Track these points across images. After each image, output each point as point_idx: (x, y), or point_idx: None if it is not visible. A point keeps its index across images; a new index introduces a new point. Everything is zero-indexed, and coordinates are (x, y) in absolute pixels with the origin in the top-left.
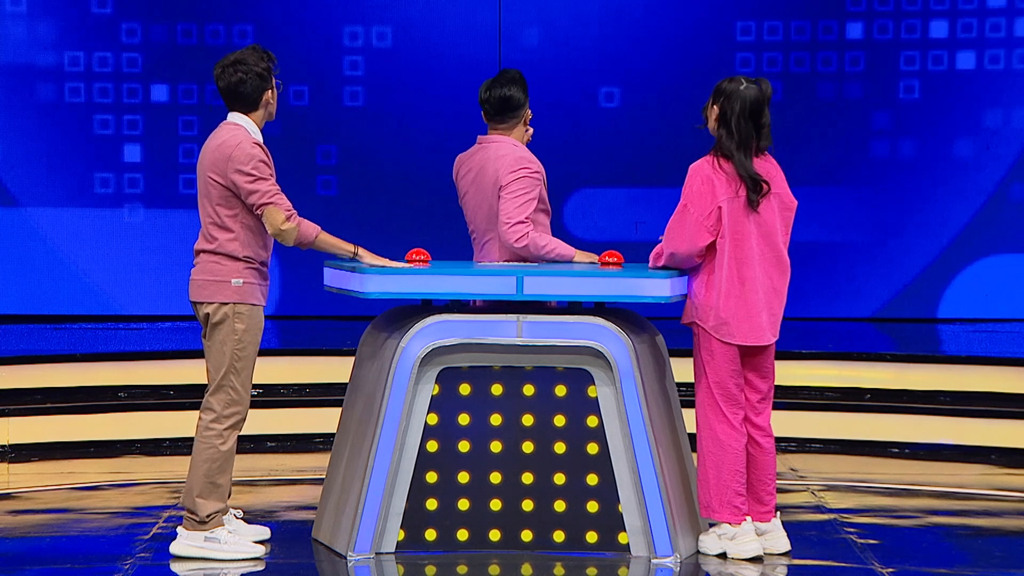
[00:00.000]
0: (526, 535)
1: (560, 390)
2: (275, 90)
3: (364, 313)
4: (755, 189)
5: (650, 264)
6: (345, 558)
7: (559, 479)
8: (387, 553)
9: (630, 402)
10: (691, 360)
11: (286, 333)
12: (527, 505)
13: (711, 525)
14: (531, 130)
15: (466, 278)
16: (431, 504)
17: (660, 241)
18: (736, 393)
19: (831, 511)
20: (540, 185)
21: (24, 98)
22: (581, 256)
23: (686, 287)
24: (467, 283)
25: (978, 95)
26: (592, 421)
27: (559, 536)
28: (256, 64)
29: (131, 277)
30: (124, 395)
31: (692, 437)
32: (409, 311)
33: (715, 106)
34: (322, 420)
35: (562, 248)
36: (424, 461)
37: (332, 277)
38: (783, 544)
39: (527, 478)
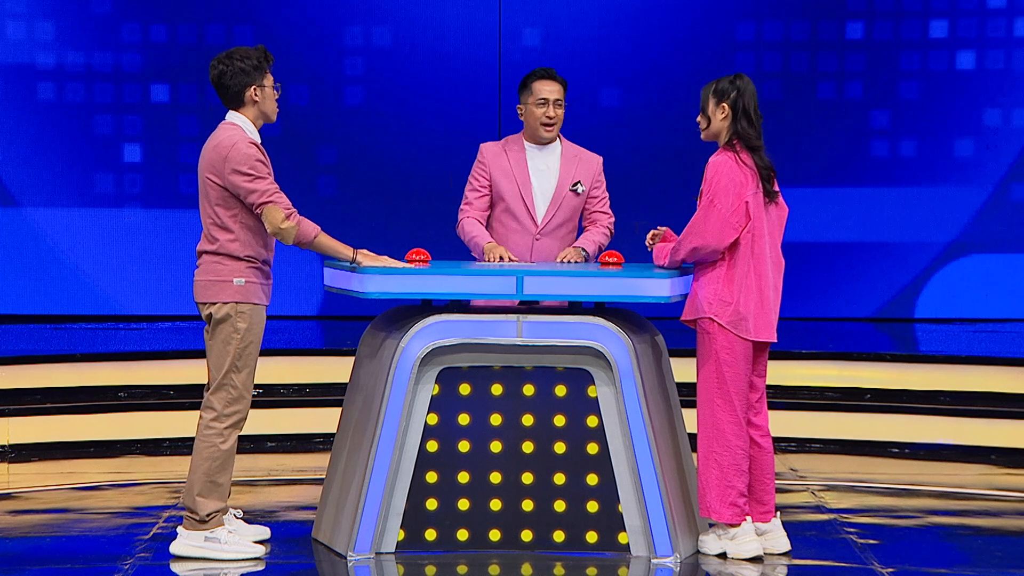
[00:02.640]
0: (526, 535)
1: (560, 390)
2: (264, 89)
3: (364, 313)
4: (770, 179)
5: (665, 261)
6: (345, 558)
7: (559, 479)
8: (387, 553)
9: (630, 402)
10: (691, 360)
11: (286, 333)
12: (527, 505)
13: (711, 525)
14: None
15: (466, 278)
16: (431, 504)
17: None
18: (747, 391)
19: (831, 511)
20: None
21: (24, 98)
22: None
23: (688, 286)
24: (467, 283)
25: (978, 95)
26: (592, 421)
27: (559, 536)
28: (242, 59)
29: (131, 277)
30: (124, 395)
31: (692, 437)
32: (409, 311)
33: (723, 105)
34: (322, 420)
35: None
36: (424, 461)
37: (332, 277)
38: (783, 544)
39: (527, 478)
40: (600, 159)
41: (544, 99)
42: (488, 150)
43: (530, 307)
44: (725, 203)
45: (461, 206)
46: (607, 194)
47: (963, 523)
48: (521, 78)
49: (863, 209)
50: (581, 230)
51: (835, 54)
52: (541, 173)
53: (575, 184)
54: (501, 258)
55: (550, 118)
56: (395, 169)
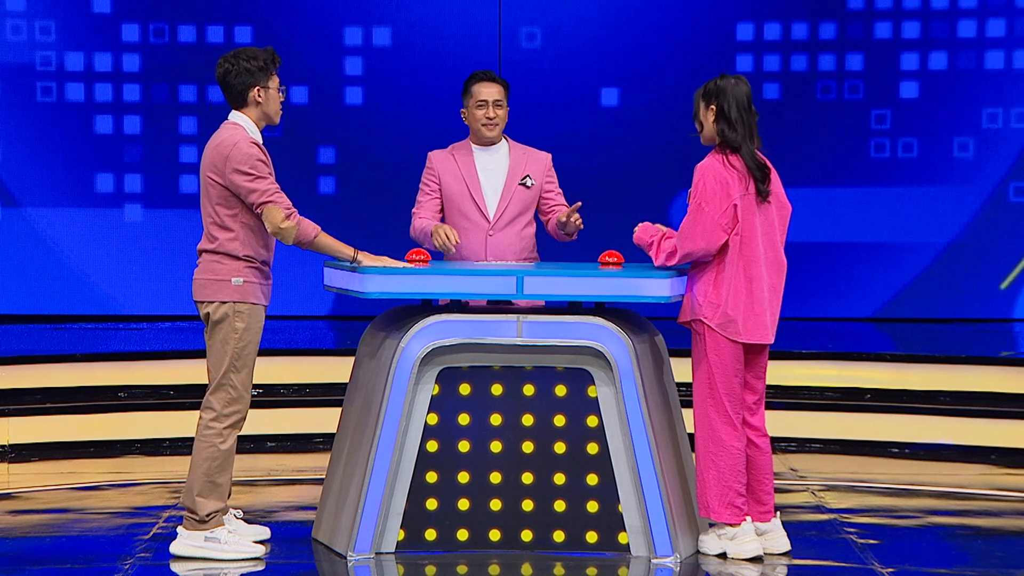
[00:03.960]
0: (526, 535)
1: (560, 390)
2: (268, 90)
3: (364, 313)
4: (763, 179)
5: (659, 261)
6: (345, 558)
7: (559, 479)
8: (387, 553)
9: (630, 402)
10: (690, 360)
11: (286, 333)
12: (527, 505)
13: (711, 525)
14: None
15: (466, 278)
16: (431, 504)
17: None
18: (740, 393)
19: (831, 511)
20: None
21: (24, 98)
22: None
23: (686, 286)
24: (467, 283)
25: (978, 95)
26: (592, 421)
27: (559, 536)
28: (248, 60)
29: (131, 277)
30: (124, 395)
31: (692, 437)
32: (409, 311)
33: (711, 107)
34: (322, 420)
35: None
36: (424, 461)
37: (332, 277)
38: (783, 544)
39: (527, 478)
40: (549, 156)
41: (484, 100)
42: (435, 156)
43: (508, 305)
44: (713, 206)
45: (413, 209)
46: (561, 190)
47: (963, 523)
48: (521, 78)
49: (863, 209)
50: (540, 226)
51: (835, 54)
52: (489, 171)
53: (524, 178)
54: (447, 236)
55: (490, 119)
56: (395, 169)
